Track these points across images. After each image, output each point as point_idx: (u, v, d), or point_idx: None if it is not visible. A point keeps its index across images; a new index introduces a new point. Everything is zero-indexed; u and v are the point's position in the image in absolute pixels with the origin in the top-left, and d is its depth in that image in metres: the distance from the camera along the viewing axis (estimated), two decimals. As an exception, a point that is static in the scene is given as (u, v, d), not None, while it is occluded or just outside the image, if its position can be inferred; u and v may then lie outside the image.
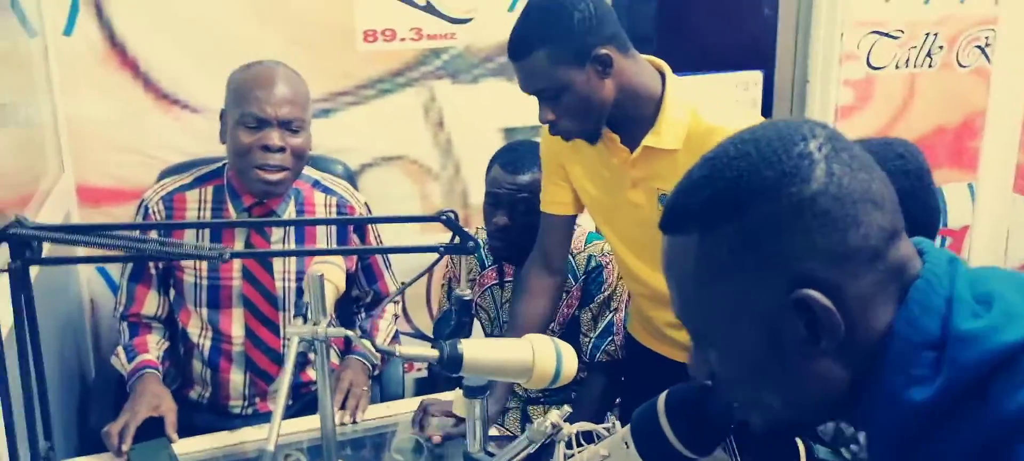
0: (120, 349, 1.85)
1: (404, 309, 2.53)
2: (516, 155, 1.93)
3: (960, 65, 2.88)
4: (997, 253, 3.13)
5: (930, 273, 0.73)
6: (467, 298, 1.18)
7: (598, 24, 1.48)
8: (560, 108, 1.53)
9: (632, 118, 1.57)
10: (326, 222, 1.93)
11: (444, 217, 1.11)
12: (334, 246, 1.90)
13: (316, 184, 1.94)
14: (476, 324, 2.10)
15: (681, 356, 1.73)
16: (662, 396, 0.88)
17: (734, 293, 0.74)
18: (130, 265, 1.88)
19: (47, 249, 1.25)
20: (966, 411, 0.69)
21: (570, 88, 1.50)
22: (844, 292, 0.71)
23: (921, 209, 1.27)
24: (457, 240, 1.13)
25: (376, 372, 1.94)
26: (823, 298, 0.70)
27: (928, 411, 0.70)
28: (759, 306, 0.73)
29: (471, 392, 1.12)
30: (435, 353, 1.11)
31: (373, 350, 1.18)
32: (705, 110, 1.55)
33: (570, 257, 1.94)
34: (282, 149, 1.77)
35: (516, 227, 1.89)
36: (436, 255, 1.21)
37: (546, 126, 1.59)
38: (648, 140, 1.56)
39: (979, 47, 2.87)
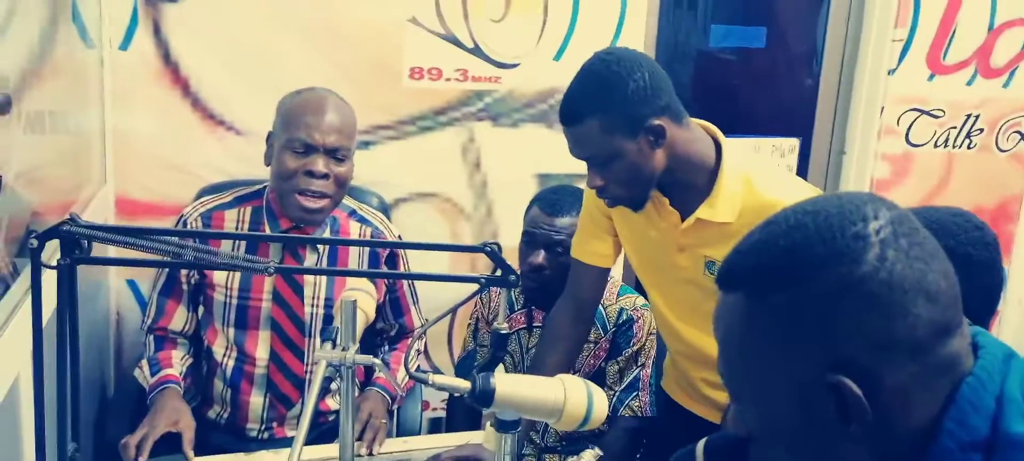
0: (144, 362, 1.86)
1: (425, 347, 2.52)
2: (557, 198, 1.94)
3: (999, 149, 2.87)
4: (1027, 341, 3.08)
5: (982, 370, 0.71)
6: (504, 332, 1.17)
7: (653, 94, 1.46)
8: (609, 174, 1.51)
9: (684, 185, 1.55)
10: (361, 244, 1.94)
11: (488, 248, 1.11)
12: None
13: (352, 213, 1.95)
14: (499, 368, 2.09)
15: (716, 416, 1.72)
16: (701, 443, 0.86)
17: (773, 361, 0.74)
18: (162, 279, 1.89)
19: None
20: None
21: (621, 157, 1.48)
22: (881, 382, 0.69)
23: (997, 281, 1.26)
24: (499, 273, 1.13)
25: (395, 406, 1.93)
26: (854, 387, 0.69)
27: None
28: (795, 379, 0.72)
29: (503, 426, 1.11)
30: (467, 385, 1.10)
31: (404, 376, 1.17)
32: (760, 180, 1.53)
33: (601, 308, 1.93)
34: (326, 176, 1.79)
35: (551, 269, 1.89)
36: (469, 289, 1.21)
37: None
38: (702, 212, 1.54)
39: (1019, 132, 2.86)
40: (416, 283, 2.04)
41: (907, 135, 2.77)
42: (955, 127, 2.80)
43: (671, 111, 1.49)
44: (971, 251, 1.17)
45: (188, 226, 1.87)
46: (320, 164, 1.78)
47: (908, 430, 0.71)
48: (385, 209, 2.24)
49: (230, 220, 1.87)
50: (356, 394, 1.90)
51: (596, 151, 1.49)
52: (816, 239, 0.71)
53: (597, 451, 0.99)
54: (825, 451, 0.74)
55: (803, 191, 1.56)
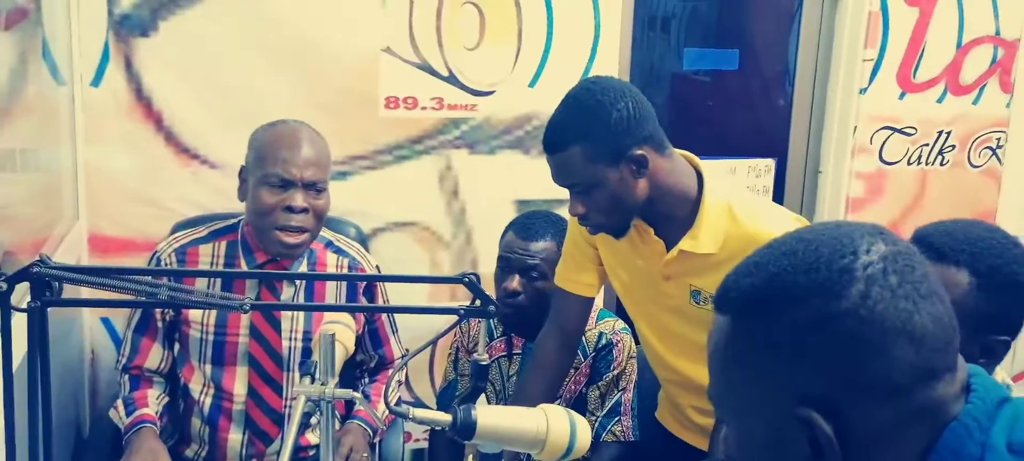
0: (119, 402, 1.83)
1: (406, 378, 2.50)
2: (531, 223, 1.94)
3: (971, 165, 2.90)
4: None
5: (969, 416, 0.69)
6: (484, 363, 1.16)
7: (636, 124, 1.46)
8: (591, 202, 1.51)
9: (666, 215, 1.56)
10: (338, 278, 1.93)
11: (466, 279, 1.11)
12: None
13: (329, 244, 1.94)
14: (481, 397, 2.08)
15: (707, 444, 1.71)
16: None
17: (752, 386, 0.73)
18: (136, 317, 1.87)
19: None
20: None
21: (603, 185, 1.48)
22: (853, 422, 0.68)
23: None
24: (478, 303, 1.12)
25: (377, 439, 1.91)
26: (825, 424, 0.67)
27: None
28: (769, 407, 0.72)
29: (485, 459, 1.10)
30: (448, 418, 1.09)
31: (384, 409, 1.15)
32: (742, 210, 1.53)
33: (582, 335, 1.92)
34: (305, 210, 1.77)
35: (526, 293, 1.89)
36: (449, 320, 1.20)
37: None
38: (685, 244, 1.54)
39: (990, 148, 2.90)
40: (396, 315, 2.03)
41: (880, 153, 2.80)
42: (927, 144, 2.84)
43: (654, 141, 1.50)
44: (1017, 269, 1.17)
45: (162, 262, 1.84)
46: (299, 199, 1.76)
47: None
48: (363, 240, 2.23)
49: (205, 255, 1.85)
50: (337, 428, 1.89)
51: (578, 179, 1.50)
52: (802, 269, 0.70)
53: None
54: None
55: (785, 219, 1.57)
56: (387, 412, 1.90)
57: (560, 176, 1.52)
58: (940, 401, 0.69)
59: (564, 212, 1.65)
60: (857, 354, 0.67)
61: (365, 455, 1.78)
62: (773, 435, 0.72)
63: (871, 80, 2.73)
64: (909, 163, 2.83)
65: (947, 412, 0.69)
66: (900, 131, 2.80)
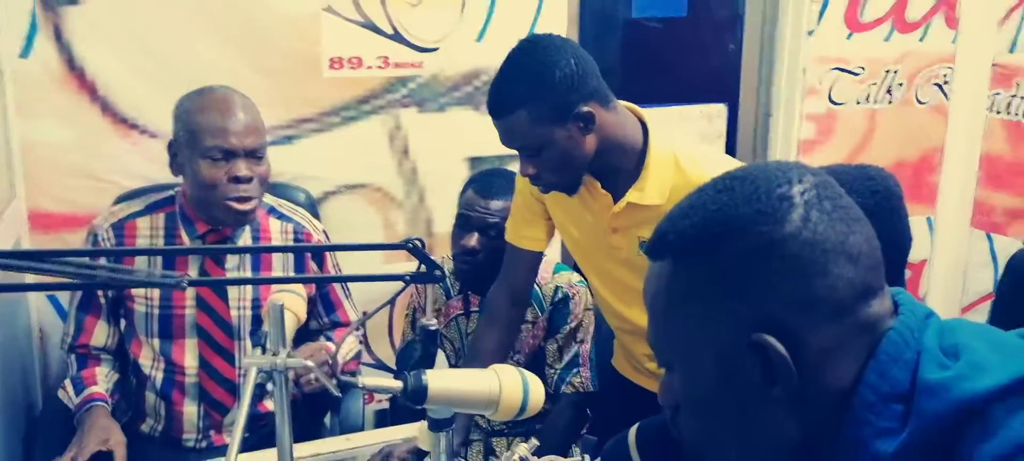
0: (68, 382, 1.79)
1: (365, 339, 2.49)
2: (491, 181, 1.93)
3: (919, 102, 2.93)
4: (954, 287, 3.17)
5: (903, 325, 0.73)
6: (433, 328, 1.15)
7: (580, 81, 1.45)
8: (541, 163, 1.50)
9: (613, 168, 1.56)
10: (283, 249, 1.89)
11: (410, 244, 1.09)
12: (292, 274, 1.86)
13: (271, 211, 1.90)
14: (440, 354, 2.07)
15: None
16: (633, 429, 0.86)
17: (697, 324, 0.74)
18: (79, 295, 1.82)
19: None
20: None
21: (551, 145, 1.47)
22: (803, 342, 0.70)
23: (887, 230, 1.27)
24: (423, 269, 1.11)
25: (332, 375, 1.85)
26: (779, 346, 0.69)
27: None
28: (719, 342, 0.73)
29: (436, 425, 1.09)
30: (399, 384, 1.08)
31: (333, 387, 1.14)
32: (687, 160, 1.53)
33: (537, 288, 1.92)
34: (250, 178, 1.73)
35: (484, 251, 1.88)
36: (400, 284, 1.18)
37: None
38: (632, 196, 1.54)
39: (937, 84, 2.93)
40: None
41: (829, 94, 2.82)
42: (876, 83, 2.86)
43: (599, 95, 1.49)
44: (855, 199, 1.18)
45: (98, 238, 1.79)
46: (243, 168, 1.72)
47: (830, 390, 0.71)
48: (313, 205, 2.19)
49: (143, 228, 1.81)
50: (292, 393, 1.87)
51: (527, 141, 1.48)
52: (742, 200, 0.72)
53: (533, 442, 0.98)
54: (749, 416, 0.74)
55: (730, 167, 1.57)
56: (347, 358, 1.89)
57: (508, 139, 1.51)
58: (877, 316, 0.73)
59: (517, 167, 1.64)
60: (802, 275, 0.70)
61: (314, 376, 1.68)
62: (722, 369, 0.73)
63: (819, 21, 2.73)
64: (858, 103, 2.86)
65: (882, 326, 0.73)
66: (849, 71, 2.81)
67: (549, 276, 1.98)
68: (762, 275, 0.70)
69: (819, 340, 0.70)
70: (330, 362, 1.63)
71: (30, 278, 1.78)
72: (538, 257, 1.79)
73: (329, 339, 1.99)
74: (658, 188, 1.52)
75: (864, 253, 0.72)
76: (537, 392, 1.12)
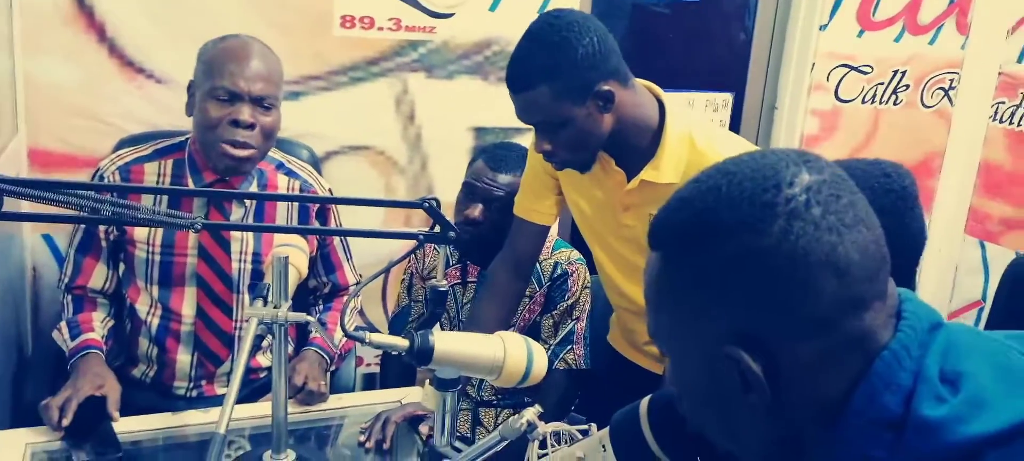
0: (63, 324, 1.77)
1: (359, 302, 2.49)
2: (502, 154, 1.92)
3: (924, 105, 2.94)
4: (943, 292, 3.20)
5: (899, 345, 0.69)
6: (442, 289, 1.15)
7: (602, 59, 1.44)
8: (557, 139, 1.49)
9: (629, 146, 1.55)
10: (292, 199, 1.88)
11: (426, 204, 1.08)
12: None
13: (280, 166, 1.89)
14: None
15: (657, 367, 1.74)
16: (645, 401, 0.86)
17: (683, 320, 0.73)
18: (79, 235, 1.81)
19: (-1, 207, 1.19)
20: None
21: (570, 122, 1.46)
22: (780, 357, 0.68)
23: (901, 229, 1.26)
24: (437, 229, 1.10)
25: (332, 368, 1.89)
26: (751, 362, 0.68)
27: None
28: (701, 342, 0.72)
29: (442, 384, 1.09)
30: (405, 343, 1.08)
31: (342, 336, 1.14)
32: (703, 139, 1.53)
33: (536, 263, 1.92)
34: (252, 125, 1.72)
35: (487, 223, 1.88)
36: (405, 245, 1.18)
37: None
38: (647, 174, 1.53)
39: (943, 89, 2.94)
40: (350, 238, 1.99)
41: (836, 91, 2.82)
42: (882, 83, 2.86)
43: (619, 74, 1.48)
44: (870, 195, 1.16)
45: (105, 180, 1.78)
46: (246, 113, 1.71)
47: (814, 405, 0.69)
48: (315, 162, 2.18)
49: (150, 173, 1.79)
50: (290, 352, 1.87)
51: (545, 117, 1.47)
52: (725, 204, 0.69)
53: (537, 408, 0.98)
54: (731, 416, 0.73)
55: (746, 148, 1.57)
56: (343, 340, 1.89)
57: (526, 114, 1.49)
58: (869, 330, 0.69)
59: (524, 141, 1.63)
60: (781, 289, 0.67)
61: (322, 383, 1.77)
62: (706, 369, 0.72)
63: (831, 16, 2.73)
64: (863, 101, 2.86)
65: (877, 341, 0.69)
66: (857, 69, 2.82)
67: (549, 252, 1.98)
68: (741, 284, 0.68)
69: (799, 355, 0.68)
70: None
71: (27, 210, 1.77)
72: (544, 231, 1.79)
73: (326, 303, 1.99)
74: (673, 166, 1.52)
75: (855, 263, 0.67)
76: (540, 361, 1.13)
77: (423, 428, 1.61)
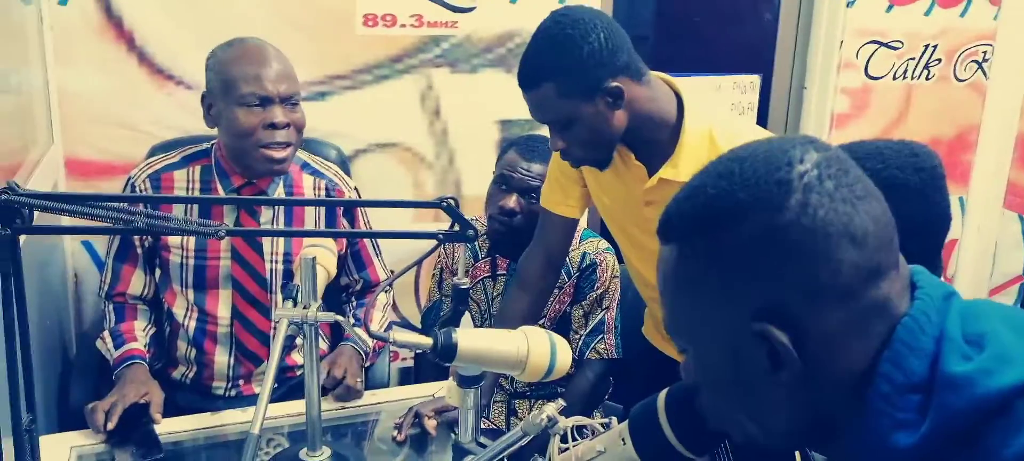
0: (107, 334, 1.82)
1: (392, 297, 2.51)
2: (535, 144, 1.94)
3: (957, 79, 2.88)
4: (984, 268, 3.14)
5: (919, 311, 0.70)
6: (464, 287, 1.16)
7: (609, 56, 1.43)
8: (570, 137, 1.50)
9: (648, 141, 1.54)
10: (317, 203, 1.91)
11: (445, 204, 1.09)
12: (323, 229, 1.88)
13: (305, 166, 1.91)
14: (465, 316, 2.09)
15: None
16: (662, 394, 0.86)
17: (704, 310, 0.74)
18: (116, 244, 1.85)
19: (36, 219, 1.22)
20: (955, 458, 0.66)
21: (579, 120, 1.46)
22: (809, 329, 0.69)
23: (928, 208, 1.25)
24: (456, 228, 1.12)
25: (368, 363, 1.92)
26: (782, 336, 0.68)
27: (914, 457, 0.67)
28: (723, 327, 0.72)
29: (465, 381, 1.10)
30: (429, 341, 1.09)
31: (367, 336, 1.16)
32: (722, 134, 1.52)
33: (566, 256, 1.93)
34: (287, 125, 1.75)
35: (522, 213, 1.89)
36: (430, 243, 1.19)
37: None
38: (666, 172, 1.53)
39: (976, 62, 2.88)
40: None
41: (866, 68, 2.78)
42: (913, 58, 2.81)
43: (630, 70, 1.47)
44: (898, 174, 1.12)
45: (136, 189, 1.81)
46: (280, 115, 1.74)
47: (842, 375, 0.70)
48: (343, 162, 2.21)
49: (179, 181, 1.83)
50: (322, 348, 1.90)
51: (554, 115, 1.48)
52: (739, 186, 0.70)
53: (560, 402, 0.99)
54: (760, 398, 0.73)
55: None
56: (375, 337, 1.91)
57: (536, 112, 1.50)
58: (888, 298, 0.71)
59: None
60: (804, 262, 0.68)
61: (359, 379, 1.79)
62: (731, 354, 0.73)
63: (858, -8, 2.69)
64: (895, 78, 2.82)
65: (896, 308, 0.71)
66: (886, 45, 2.77)
67: (577, 243, 1.98)
68: (763, 262, 0.69)
69: (825, 326, 0.69)
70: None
71: (66, 223, 1.81)
72: (573, 224, 1.79)
73: (359, 300, 2.01)
74: (693, 164, 1.51)
75: (871, 233, 0.69)
76: (564, 355, 1.13)
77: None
